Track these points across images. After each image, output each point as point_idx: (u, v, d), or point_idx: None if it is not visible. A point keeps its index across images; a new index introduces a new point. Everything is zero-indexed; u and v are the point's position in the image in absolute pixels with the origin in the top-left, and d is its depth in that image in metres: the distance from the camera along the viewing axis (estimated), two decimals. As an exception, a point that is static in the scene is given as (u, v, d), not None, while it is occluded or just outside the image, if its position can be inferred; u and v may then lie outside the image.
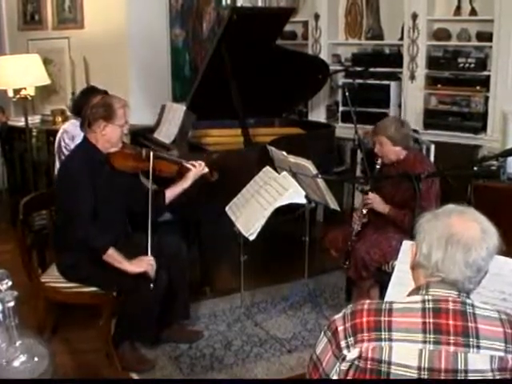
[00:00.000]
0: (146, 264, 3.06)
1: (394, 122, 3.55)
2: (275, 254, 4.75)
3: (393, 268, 2.46)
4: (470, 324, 1.54)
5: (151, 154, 3.31)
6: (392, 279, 2.23)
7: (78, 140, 3.93)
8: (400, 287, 2.17)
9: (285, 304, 3.95)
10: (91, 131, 3.15)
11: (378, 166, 3.59)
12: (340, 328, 1.61)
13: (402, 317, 1.57)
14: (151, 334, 3.28)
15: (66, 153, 4.03)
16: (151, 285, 3.04)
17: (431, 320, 1.55)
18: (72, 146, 3.95)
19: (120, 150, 3.25)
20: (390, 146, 3.51)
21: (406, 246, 2.31)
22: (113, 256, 3.03)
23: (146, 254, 3.10)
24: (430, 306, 1.57)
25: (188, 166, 3.42)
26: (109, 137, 3.15)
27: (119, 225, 3.29)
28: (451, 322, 1.54)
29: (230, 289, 4.10)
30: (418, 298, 1.61)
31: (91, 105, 3.13)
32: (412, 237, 2.71)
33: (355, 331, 1.58)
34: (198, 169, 3.42)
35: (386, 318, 1.57)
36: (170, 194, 3.41)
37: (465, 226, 1.60)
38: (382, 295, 3.45)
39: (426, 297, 1.60)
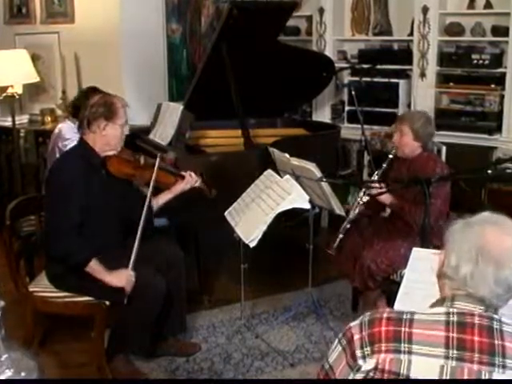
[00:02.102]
0: (125, 279, 3.05)
1: (423, 117, 3.63)
2: (277, 261, 4.75)
3: (401, 277, 2.46)
4: (496, 341, 1.51)
5: (157, 162, 3.31)
6: (401, 289, 2.23)
7: (72, 143, 3.96)
8: (409, 297, 2.18)
9: (287, 315, 3.96)
10: (90, 132, 3.16)
11: (390, 156, 3.63)
12: (356, 337, 1.59)
13: (423, 329, 1.55)
14: (147, 346, 3.28)
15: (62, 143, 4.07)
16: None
17: (455, 335, 1.52)
18: (66, 148, 3.98)
19: (118, 154, 3.26)
20: (410, 138, 3.56)
21: (416, 253, 2.32)
22: (93, 268, 3.05)
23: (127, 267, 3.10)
24: (455, 319, 1.55)
25: (184, 174, 3.43)
26: (109, 137, 3.17)
27: (112, 233, 3.28)
28: (476, 339, 1.51)
29: (230, 299, 4.10)
30: (442, 309, 1.59)
31: (91, 104, 3.14)
32: (422, 241, 2.73)
33: (373, 341, 1.57)
34: (186, 182, 3.42)
35: (407, 329, 1.55)
36: (155, 203, 3.42)
37: (499, 239, 1.56)
38: (389, 305, 3.45)
39: (451, 309, 1.57)
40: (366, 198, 3.58)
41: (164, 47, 5.79)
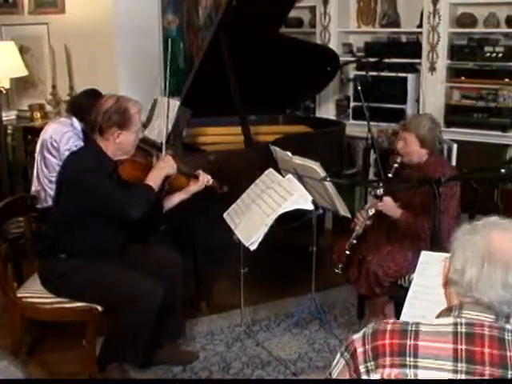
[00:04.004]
0: (172, 162, 3.30)
1: (429, 123, 3.56)
2: (279, 265, 4.76)
3: (410, 282, 2.47)
4: (508, 353, 1.49)
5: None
6: (409, 294, 2.24)
7: (71, 137, 4.01)
8: (417, 302, 2.18)
9: (290, 321, 3.97)
10: (103, 139, 3.16)
11: (395, 165, 3.60)
12: (359, 350, 1.58)
13: (430, 341, 1.53)
14: (142, 354, 3.28)
15: (53, 151, 4.09)
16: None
17: (464, 346, 1.50)
18: (63, 142, 4.02)
19: (130, 158, 3.28)
20: (416, 146, 3.53)
21: (425, 257, 2.33)
22: (155, 183, 3.17)
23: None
24: (463, 330, 1.53)
25: (197, 174, 3.45)
26: (122, 145, 3.17)
27: (120, 234, 3.30)
28: (487, 350, 1.49)
29: (229, 305, 4.11)
30: (449, 320, 1.56)
31: (104, 110, 3.11)
32: (431, 247, 2.74)
33: (376, 355, 1.55)
34: (201, 182, 3.44)
35: (412, 342, 1.53)
36: (168, 204, 3.45)
37: (508, 243, 1.55)
38: (397, 311, 3.46)
39: (459, 319, 1.55)
40: (372, 212, 3.57)
41: (160, 40, 5.80)
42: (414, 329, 1.56)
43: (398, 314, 2.56)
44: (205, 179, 3.44)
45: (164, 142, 3.46)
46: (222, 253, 4.49)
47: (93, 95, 4.05)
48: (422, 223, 3.39)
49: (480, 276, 1.54)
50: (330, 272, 4.16)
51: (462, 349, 1.50)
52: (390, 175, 3.61)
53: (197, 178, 3.45)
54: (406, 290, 2.30)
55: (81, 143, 4.02)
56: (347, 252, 3.54)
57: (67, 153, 3.80)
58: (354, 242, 3.56)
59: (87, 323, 3.18)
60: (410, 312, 2.19)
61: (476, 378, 1.48)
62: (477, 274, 1.54)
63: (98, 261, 3.16)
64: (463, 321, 1.54)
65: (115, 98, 3.16)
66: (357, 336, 1.62)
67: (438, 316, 1.62)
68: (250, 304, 4.05)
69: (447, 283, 1.65)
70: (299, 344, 3.74)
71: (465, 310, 1.56)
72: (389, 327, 1.58)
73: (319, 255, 3.93)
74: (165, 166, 3.26)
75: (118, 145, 3.16)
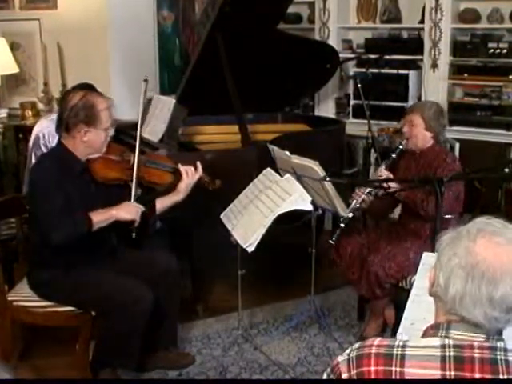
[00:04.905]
0: (134, 209, 3.10)
1: (435, 106, 3.66)
2: (277, 267, 4.76)
3: (411, 284, 2.47)
4: (501, 376, 1.44)
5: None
6: (410, 297, 2.24)
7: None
8: (419, 305, 2.19)
9: (288, 325, 3.97)
10: (69, 136, 3.09)
11: (400, 146, 3.65)
12: (344, 375, 1.54)
13: (416, 367, 1.47)
14: (136, 359, 3.28)
15: (45, 150, 4.07)
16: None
17: (452, 373, 1.44)
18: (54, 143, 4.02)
19: (103, 155, 3.19)
20: (422, 128, 3.58)
21: (427, 258, 2.33)
22: (99, 220, 3.04)
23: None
24: (452, 353, 1.46)
25: (181, 170, 3.36)
26: (90, 143, 3.11)
27: (103, 241, 3.27)
28: (477, 375, 1.43)
29: (226, 307, 4.11)
30: (436, 341, 1.49)
31: (70, 105, 3.04)
32: (432, 245, 2.74)
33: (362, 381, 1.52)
34: (189, 178, 3.37)
35: (398, 369, 1.48)
36: (160, 206, 3.38)
37: (493, 254, 1.45)
38: (398, 314, 3.46)
39: (447, 341, 1.48)
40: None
41: (155, 36, 5.80)
42: (399, 352, 1.50)
43: (398, 318, 2.57)
44: (188, 172, 3.35)
45: (137, 143, 3.29)
46: (219, 254, 4.49)
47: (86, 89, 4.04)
48: (428, 204, 3.37)
49: (464, 293, 1.46)
50: (329, 274, 4.18)
51: (450, 375, 1.45)
52: (393, 155, 3.65)
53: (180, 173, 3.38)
54: (408, 292, 2.31)
55: None
56: (342, 225, 3.53)
57: None
58: (350, 215, 3.56)
59: (80, 327, 3.18)
60: (411, 314, 2.19)
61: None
62: (461, 291, 1.47)
63: (86, 266, 3.13)
64: (451, 342, 1.48)
65: (82, 94, 3.09)
66: (342, 359, 1.57)
67: (425, 334, 1.56)
68: (248, 307, 4.05)
69: (433, 296, 1.58)
70: (298, 348, 3.75)
71: (452, 330, 1.50)
72: (373, 351, 1.52)
73: (319, 257, 3.93)
74: (127, 212, 3.10)
75: (86, 143, 3.09)
